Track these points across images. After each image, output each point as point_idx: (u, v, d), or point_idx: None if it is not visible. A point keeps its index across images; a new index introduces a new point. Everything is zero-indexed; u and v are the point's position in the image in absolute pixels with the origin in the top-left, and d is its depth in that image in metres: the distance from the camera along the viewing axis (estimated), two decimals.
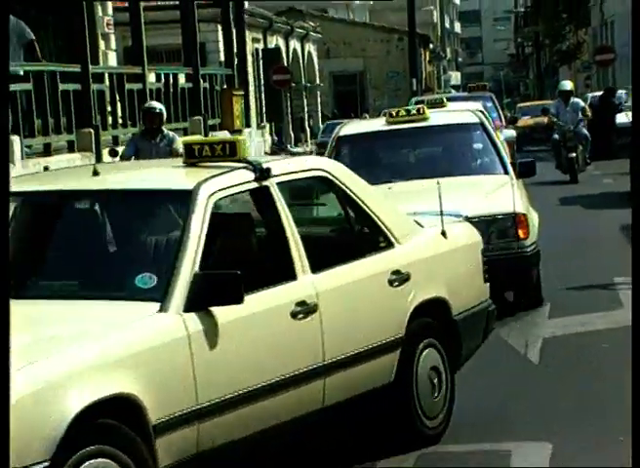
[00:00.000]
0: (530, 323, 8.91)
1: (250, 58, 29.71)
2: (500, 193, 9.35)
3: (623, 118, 23.79)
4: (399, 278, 5.89)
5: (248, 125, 25.28)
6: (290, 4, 43.85)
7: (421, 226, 6.41)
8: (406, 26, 41.50)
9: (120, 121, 17.95)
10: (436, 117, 10.73)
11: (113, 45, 21.78)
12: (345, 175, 5.99)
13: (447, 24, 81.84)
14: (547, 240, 13.55)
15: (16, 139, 13.72)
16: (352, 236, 6.02)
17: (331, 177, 5.82)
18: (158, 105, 13.20)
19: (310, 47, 42.21)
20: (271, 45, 35.13)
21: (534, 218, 9.55)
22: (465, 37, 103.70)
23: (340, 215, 6.05)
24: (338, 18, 52.47)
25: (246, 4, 29.08)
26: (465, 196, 9.13)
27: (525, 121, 36.71)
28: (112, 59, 21.52)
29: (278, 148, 31.77)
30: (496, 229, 8.99)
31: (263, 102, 32.11)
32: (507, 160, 10.24)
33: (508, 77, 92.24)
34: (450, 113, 11.75)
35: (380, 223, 5.98)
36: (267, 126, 32.04)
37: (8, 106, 3.64)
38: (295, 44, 39.48)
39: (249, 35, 29.46)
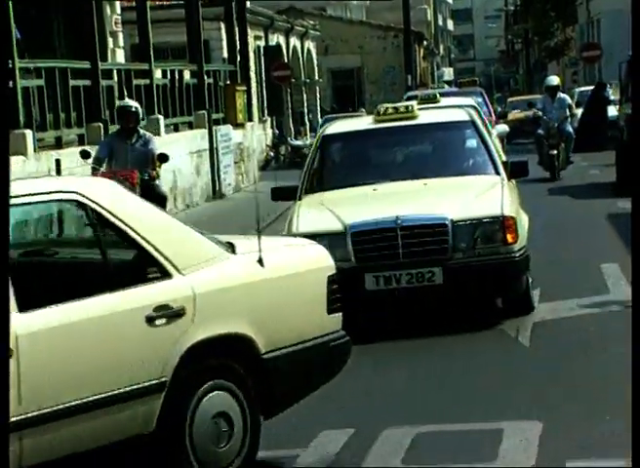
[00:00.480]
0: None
1: (252, 55, 30.08)
2: (488, 195, 8.81)
3: (612, 111, 23.65)
4: (166, 314, 5.09)
5: (250, 119, 25.69)
6: (290, 3, 44.23)
7: (233, 252, 5.48)
8: (401, 24, 41.95)
9: None
10: (426, 115, 10.08)
11: (121, 42, 22.08)
12: (108, 198, 5.15)
13: (440, 22, 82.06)
14: (537, 228, 14.04)
15: (28, 133, 13.96)
16: (104, 265, 5.12)
17: (84, 200, 5.07)
18: (134, 104, 12.62)
19: (310, 44, 42.62)
20: (272, 42, 35.48)
21: (523, 221, 8.94)
22: (458, 34, 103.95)
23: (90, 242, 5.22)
24: (336, 16, 52.80)
25: (248, 3, 29.50)
26: (452, 198, 8.71)
27: (515, 114, 37.16)
28: (120, 56, 21.83)
29: (279, 141, 32.19)
30: (482, 233, 8.42)
31: (265, 97, 32.48)
32: (499, 159, 9.59)
33: (499, 72, 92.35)
34: (440, 110, 11.31)
35: (152, 251, 5.13)
36: (269, 120, 32.41)
37: (8, 106, 3.76)
38: (295, 41, 39.86)
39: (251, 33, 29.83)
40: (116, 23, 21.48)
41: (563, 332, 8.26)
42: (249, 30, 27.98)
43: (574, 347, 7.79)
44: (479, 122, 9.91)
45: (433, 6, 73.74)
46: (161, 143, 18.67)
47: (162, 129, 18.96)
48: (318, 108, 42.94)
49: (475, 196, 8.83)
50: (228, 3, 24.75)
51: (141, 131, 12.40)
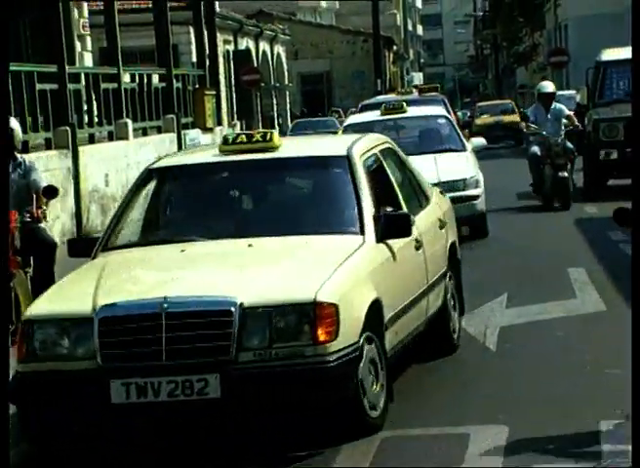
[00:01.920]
0: (488, 312, 9.05)
1: (221, 59, 30.09)
2: (319, 267, 6.13)
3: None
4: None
5: (219, 123, 25.69)
6: (259, 4, 44.25)
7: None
8: (371, 29, 42.10)
9: (96, 119, 18.32)
10: (290, 146, 7.45)
11: (89, 46, 22.04)
12: None
13: (410, 27, 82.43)
14: (505, 233, 14.16)
15: None
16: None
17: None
18: (12, 123, 9.20)
19: (279, 48, 42.64)
20: (242, 46, 35.49)
21: (359, 305, 6.08)
22: (427, 39, 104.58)
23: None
24: (305, 21, 52.95)
25: (217, 6, 29.49)
26: (267, 271, 6.15)
27: (484, 119, 37.42)
28: (88, 60, 21.78)
29: None
30: (282, 326, 5.76)
31: (234, 102, 32.49)
32: (371, 211, 6.70)
33: (468, 77, 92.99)
34: (315, 140, 9.12)
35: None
36: (238, 124, 32.41)
37: (8, 106, 3.96)
38: (264, 46, 39.88)
39: (220, 37, 29.84)
40: (84, 27, 21.43)
41: (530, 337, 8.28)
42: (218, 34, 27.98)
43: (540, 352, 7.81)
44: (358, 161, 6.91)
45: (403, 11, 74.06)
46: (130, 148, 18.82)
47: (130, 133, 18.91)
48: (288, 112, 42.98)
49: (302, 268, 6.15)
50: (197, 7, 24.73)
51: (20, 157, 9.24)
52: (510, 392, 6.87)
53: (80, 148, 16.46)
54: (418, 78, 74.97)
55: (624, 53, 17.91)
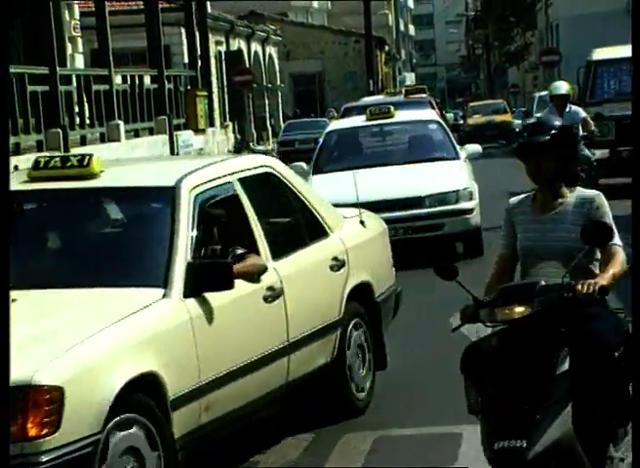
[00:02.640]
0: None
1: (213, 61, 30.08)
2: (64, 334, 4.86)
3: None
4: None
5: (211, 124, 25.72)
6: (250, 5, 44.24)
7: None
8: (362, 29, 42.13)
9: (87, 121, 18.32)
10: (114, 173, 6.09)
11: (80, 48, 22.03)
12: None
13: (402, 27, 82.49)
14: (496, 232, 14.16)
15: None
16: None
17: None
18: None
19: (271, 49, 42.64)
20: (233, 47, 35.49)
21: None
22: (419, 39, 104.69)
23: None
24: (297, 21, 52.95)
25: (208, 8, 29.49)
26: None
27: (476, 119, 37.51)
28: (79, 62, 21.79)
29: (241, 146, 32.18)
30: None
31: (226, 102, 32.49)
32: (182, 262, 5.42)
33: (460, 77, 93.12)
34: (147, 168, 6.60)
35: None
36: (230, 125, 32.40)
37: (7, 106, 3.91)
38: (256, 46, 39.88)
39: (212, 38, 29.84)
40: (75, 28, 21.43)
41: None
42: (210, 35, 28.00)
43: None
44: (185, 195, 5.62)
45: (394, 11, 74.10)
46: (122, 150, 18.83)
47: (122, 134, 18.91)
48: (280, 113, 42.98)
49: (44, 336, 4.93)
50: (189, 8, 24.74)
51: None
52: None
53: (72, 150, 16.45)
54: (410, 78, 75.05)
55: (616, 52, 17.96)
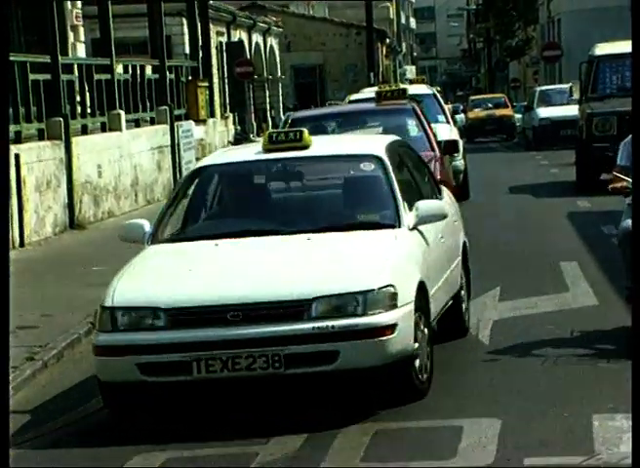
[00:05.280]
0: (481, 305, 9.10)
1: (214, 51, 30.02)
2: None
3: (573, 111, 22.87)
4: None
5: (212, 115, 25.68)
6: None
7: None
8: (364, 22, 42.08)
9: (89, 110, 18.30)
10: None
11: (82, 37, 22.00)
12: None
13: (403, 20, 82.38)
14: (497, 226, 14.18)
15: None
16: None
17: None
18: None
19: (272, 41, 42.59)
20: (235, 38, 35.43)
21: None
22: (420, 32, 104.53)
23: None
24: (298, 13, 52.87)
25: None
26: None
27: (476, 113, 37.51)
28: (81, 51, 21.75)
29: (241, 137, 32.16)
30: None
31: (227, 94, 32.47)
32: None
33: (461, 71, 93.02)
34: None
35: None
36: (231, 116, 32.38)
37: (8, 105, 3.90)
38: (257, 38, 39.83)
39: (213, 29, 29.79)
40: (77, 17, 21.40)
41: (523, 330, 8.35)
42: (211, 26, 27.95)
43: (532, 345, 7.87)
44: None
45: (396, 4, 73.96)
46: (123, 139, 18.81)
47: (123, 124, 18.89)
48: (281, 105, 42.94)
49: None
50: None
51: None
52: (503, 385, 6.91)
53: (73, 139, 16.45)
54: (410, 71, 74.95)
55: (618, 47, 17.96)
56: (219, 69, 31.44)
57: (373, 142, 8.14)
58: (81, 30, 21.86)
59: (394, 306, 6.39)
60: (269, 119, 39.76)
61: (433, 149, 11.80)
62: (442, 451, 5.71)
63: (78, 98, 17.83)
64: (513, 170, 22.11)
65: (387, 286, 6.40)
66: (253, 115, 37.11)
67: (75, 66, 18.01)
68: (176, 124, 21.33)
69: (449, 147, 12.58)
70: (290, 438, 6.09)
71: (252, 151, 7.87)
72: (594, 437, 5.73)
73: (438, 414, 6.33)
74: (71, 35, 20.78)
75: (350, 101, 15.82)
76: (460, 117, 19.15)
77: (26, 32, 18.76)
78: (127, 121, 19.24)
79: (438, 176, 10.18)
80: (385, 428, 6.15)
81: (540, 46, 46.07)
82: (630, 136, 7.58)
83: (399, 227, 7.09)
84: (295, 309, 6.25)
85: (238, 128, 32.96)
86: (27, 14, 18.57)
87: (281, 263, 6.66)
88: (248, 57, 35.67)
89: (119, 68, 19.68)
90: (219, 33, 33.22)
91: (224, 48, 33.57)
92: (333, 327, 6.23)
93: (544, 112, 29.72)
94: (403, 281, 6.53)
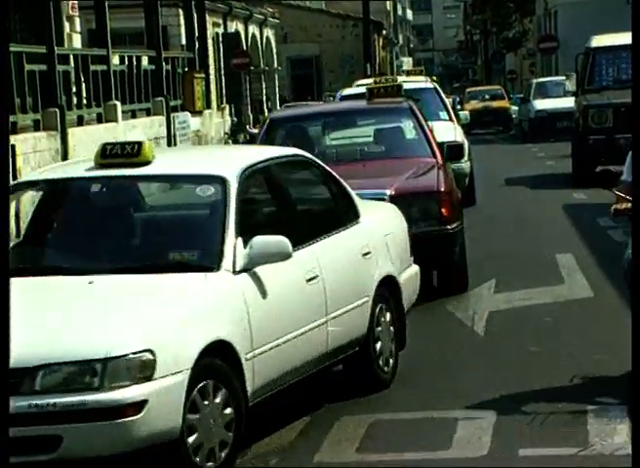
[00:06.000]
0: (476, 297, 9.13)
1: (210, 42, 29.97)
2: None
3: (569, 103, 22.80)
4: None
5: (208, 106, 25.65)
6: None
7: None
8: (360, 13, 42.03)
9: (85, 101, 18.27)
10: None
11: (78, 27, 21.93)
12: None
13: (399, 12, 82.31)
14: (493, 218, 14.19)
15: None
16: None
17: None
18: None
19: (269, 32, 42.52)
20: (231, 30, 35.37)
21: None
22: (417, 24, 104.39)
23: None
24: (295, 4, 52.78)
25: None
26: None
27: (473, 105, 37.52)
28: (77, 41, 21.68)
29: (237, 129, 32.13)
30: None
31: (223, 85, 32.43)
32: None
33: (457, 63, 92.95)
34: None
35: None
36: (227, 107, 32.35)
37: (7, 104, 3.83)
38: (254, 29, 39.76)
39: (209, 20, 29.72)
40: (73, 8, 21.34)
41: (518, 322, 8.37)
42: (207, 17, 27.88)
43: (528, 337, 7.88)
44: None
45: None
46: (119, 130, 18.76)
47: (119, 115, 18.86)
48: (277, 96, 42.90)
49: None
50: None
51: None
52: (498, 377, 6.92)
53: (69, 130, 16.41)
54: (407, 63, 74.93)
55: (614, 39, 17.96)
56: (215, 61, 31.38)
57: (229, 160, 6.43)
58: (77, 21, 21.80)
59: (148, 378, 4.98)
60: (266, 110, 39.72)
61: (434, 155, 9.90)
62: (437, 443, 5.72)
63: (74, 89, 17.77)
64: (509, 161, 22.14)
65: (141, 351, 4.99)
66: (249, 106, 37.07)
67: (71, 57, 17.95)
68: (172, 115, 21.30)
69: (452, 152, 10.11)
70: (286, 429, 6.10)
71: (82, 167, 6.47)
72: (589, 428, 5.74)
73: (432, 406, 6.33)
74: (67, 26, 20.71)
75: (342, 97, 14.65)
76: (465, 114, 17.15)
77: (22, 22, 18.70)
78: (123, 112, 19.20)
79: (442, 188, 9.03)
80: (380, 419, 6.16)
81: (536, 38, 46.06)
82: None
83: (217, 270, 5.64)
84: (15, 380, 4.82)
85: (234, 119, 32.93)
86: (23, 3, 18.52)
87: (30, 317, 5.13)
88: (244, 48, 35.63)
89: (115, 59, 19.64)
90: (215, 24, 33.16)
91: (221, 39, 33.51)
92: (54, 404, 4.84)
93: (541, 104, 29.75)
94: (174, 343, 5.14)
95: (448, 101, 16.23)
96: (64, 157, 16.12)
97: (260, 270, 5.75)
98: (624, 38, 16.04)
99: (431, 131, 10.33)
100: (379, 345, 6.81)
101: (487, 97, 38.67)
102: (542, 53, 41.15)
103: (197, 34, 25.14)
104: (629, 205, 6.13)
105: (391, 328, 6.99)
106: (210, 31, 29.95)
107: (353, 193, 7.05)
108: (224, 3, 34.50)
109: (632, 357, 4.41)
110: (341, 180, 6.95)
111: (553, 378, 6.75)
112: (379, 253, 6.91)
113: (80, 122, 17.68)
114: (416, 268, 7.50)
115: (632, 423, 4.48)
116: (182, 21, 26.15)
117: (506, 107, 37.51)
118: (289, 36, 49.51)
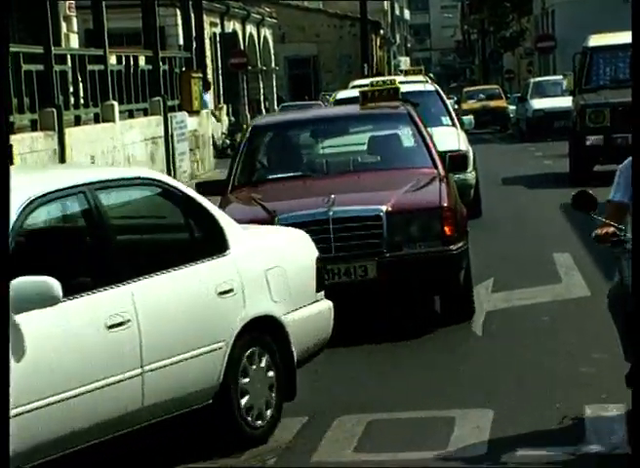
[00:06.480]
0: (475, 296, 8.89)
1: (208, 42, 29.99)
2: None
3: (566, 102, 22.73)
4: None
5: (206, 106, 25.67)
6: None
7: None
8: (358, 13, 42.05)
9: (82, 101, 18.27)
10: None
11: (75, 27, 21.93)
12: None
13: (397, 11, 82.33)
14: (491, 218, 14.18)
15: None
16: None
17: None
18: None
19: (266, 32, 42.52)
20: (228, 29, 35.39)
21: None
22: (414, 24, 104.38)
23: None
24: (292, 4, 52.78)
25: None
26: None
27: (471, 104, 37.50)
28: (74, 41, 21.68)
29: (235, 128, 32.14)
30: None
31: (221, 85, 32.43)
32: None
33: (455, 62, 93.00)
34: None
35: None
36: (225, 107, 32.36)
37: (7, 104, 3.78)
38: (251, 29, 39.77)
39: (207, 19, 29.72)
40: (70, 8, 21.33)
41: (515, 321, 8.38)
42: (205, 17, 27.88)
43: (526, 336, 7.89)
44: None
45: None
46: (116, 130, 18.76)
47: (116, 115, 18.86)
48: (275, 96, 42.91)
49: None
50: None
51: None
52: (496, 376, 6.94)
53: (66, 130, 16.41)
54: (404, 63, 74.92)
55: (612, 38, 17.95)
56: (212, 60, 31.41)
57: (21, 188, 5.19)
58: (74, 21, 21.80)
59: None
60: (263, 110, 39.72)
61: (435, 165, 8.82)
62: (434, 442, 5.71)
63: (71, 89, 17.78)
64: (507, 161, 22.13)
65: None
66: (247, 106, 37.07)
67: (68, 57, 17.97)
68: (169, 115, 21.31)
69: (455, 163, 9.01)
70: (283, 428, 6.09)
71: None
72: (587, 428, 5.74)
73: (430, 405, 6.33)
74: (64, 26, 20.71)
75: (336, 101, 13.64)
76: (469, 119, 15.41)
77: (19, 22, 18.69)
78: (120, 112, 19.20)
79: (444, 204, 8.00)
80: (378, 419, 6.16)
81: (533, 37, 46.08)
82: (629, 158, 5.22)
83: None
84: None
85: (232, 119, 32.94)
86: (20, 3, 18.51)
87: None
88: (242, 48, 35.63)
89: (112, 59, 19.64)
90: (212, 24, 33.16)
91: (218, 39, 33.51)
92: None
93: (538, 104, 29.74)
94: None
95: (450, 103, 15.21)
96: (62, 157, 16.12)
97: (23, 318, 4.88)
98: (622, 37, 16.05)
99: (432, 138, 9.27)
100: (245, 398, 5.82)
101: (484, 96, 38.66)
102: (540, 52, 41.19)
103: (194, 34, 25.14)
104: (611, 229, 5.41)
105: (270, 374, 5.96)
106: (207, 31, 29.97)
107: (225, 220, 6.01)
108: (222, 3, 34.50)
109: (633, 354, 4.39)
110: (208, 206, 5.93)
111: (551, 377, 6.75)
112: (250, 290, 5.89)
113: (77, 122, 17.69)
114: (324, 305, 6.38)
115: (631, 423, 4.43)
116: (180, 21, 26.17)
117: (504, 107, 37.50)
118: (286, 36, 49.51)
